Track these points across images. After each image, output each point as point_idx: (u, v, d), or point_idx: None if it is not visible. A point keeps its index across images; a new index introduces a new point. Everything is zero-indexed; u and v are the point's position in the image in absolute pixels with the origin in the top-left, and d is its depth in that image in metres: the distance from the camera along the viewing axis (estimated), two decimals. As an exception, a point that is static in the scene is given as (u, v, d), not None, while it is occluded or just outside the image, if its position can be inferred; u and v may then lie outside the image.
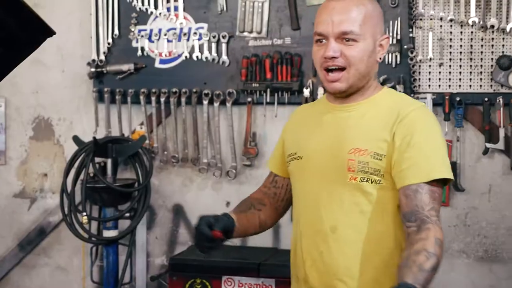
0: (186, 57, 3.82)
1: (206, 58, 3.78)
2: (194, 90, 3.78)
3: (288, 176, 2.20)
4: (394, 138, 1.94)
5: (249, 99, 3.73)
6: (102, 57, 3.96)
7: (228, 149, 3.83)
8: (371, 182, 1.93)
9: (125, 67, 3.93)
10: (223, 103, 3.75)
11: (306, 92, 3.63)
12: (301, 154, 2.07)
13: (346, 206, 1.98)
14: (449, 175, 1.91)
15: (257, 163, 3.81)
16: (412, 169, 1.88)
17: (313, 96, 3.61)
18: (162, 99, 3.84)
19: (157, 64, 3.89)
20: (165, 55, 3.86)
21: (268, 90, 3.70)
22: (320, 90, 3.61)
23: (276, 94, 3.70)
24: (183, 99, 3.80)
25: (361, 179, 1.94)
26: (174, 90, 3.80)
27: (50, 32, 2.18)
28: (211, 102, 3.77)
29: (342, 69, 1.99)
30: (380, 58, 2.06)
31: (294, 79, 3.68)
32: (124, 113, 3.95)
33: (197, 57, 3.80)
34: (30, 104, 4.26)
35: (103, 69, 3.95)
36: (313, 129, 2.12)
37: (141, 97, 3.86)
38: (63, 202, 3.87)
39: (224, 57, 3.76)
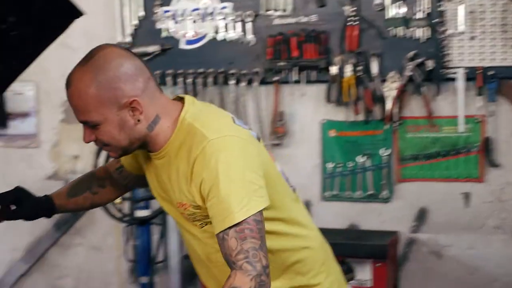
0: (211, 37, 3.79)
1: (232, 38, 3.74)
2: (220, 70, 3.75)
3: (135, 172, 2.17)
4: (195, 188, 1.83)
5: (276, 78, 3.68)
6: (128, 39, 3.96)
7: (256, 128, 3.76)
8: (211, 223, 1.86)
9: (150, 48, 3.90)
10: (249, 82, 3.70)
11: (334, 69, 3.58)
12: (153, 194, 2.07)
13: (207, 241, 1.97)
14: (246, 214, 1.75)
15: (285, 142, 3.78)
16: (213, 219, 1.78)
17: (340, 74, 3.56)
18: (189, 80, 3.82)
19: (183, 45, 3.86)
20: (191, 36, 3.82)
21: (295, 69, 3.64)
22: (348, 67, 3.57)
23: (303, 73, 3.64)
24: (209, 80, 3.77)
25: (200, 225, 1.91)
26: (200, 70, 3.78)
27: (79, 13, 2.10)
28: (237, 82, 3.73)
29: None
30: (139, 120, 1.86)
31: (321, 57, 3.62)
32: (152, 94, 3.84)
33: (222, 37, 3.75)
34: (59, 87, 3.99)
35: (130, 50, 3.84)
36: (148, 168, 2.06)
37: (168, 79, 3.84)
38: (96, 184, 3.83)
39: (250, 36, 3.72)
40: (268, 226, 1.86)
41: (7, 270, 4.51)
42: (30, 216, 2.21)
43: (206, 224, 1.91)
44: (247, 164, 1.81)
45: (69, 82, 1.85)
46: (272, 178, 1.93)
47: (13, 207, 2.19)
